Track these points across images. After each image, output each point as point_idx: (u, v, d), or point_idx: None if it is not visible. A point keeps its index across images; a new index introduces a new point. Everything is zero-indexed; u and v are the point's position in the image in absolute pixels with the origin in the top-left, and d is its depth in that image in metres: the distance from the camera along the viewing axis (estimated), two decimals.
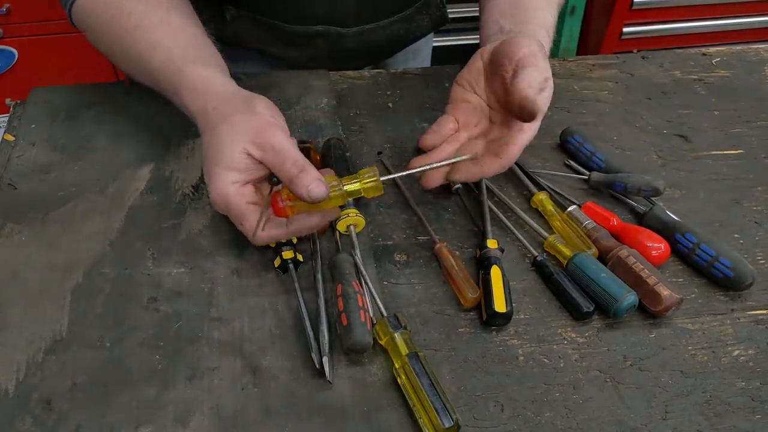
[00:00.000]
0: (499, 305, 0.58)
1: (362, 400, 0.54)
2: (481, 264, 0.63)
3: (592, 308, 0.59)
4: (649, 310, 0.60)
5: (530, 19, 0.70)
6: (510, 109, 0.62)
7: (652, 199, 0.70)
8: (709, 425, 0.53)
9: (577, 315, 0.60)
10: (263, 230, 0.59)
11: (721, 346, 0.59)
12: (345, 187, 0.59)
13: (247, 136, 0.58)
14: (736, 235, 0.69)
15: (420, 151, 0.72)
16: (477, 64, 0.69)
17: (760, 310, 0.62)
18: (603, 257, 0.64)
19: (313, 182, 0.56)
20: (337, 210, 0.62)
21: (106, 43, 0.71)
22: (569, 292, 0.60)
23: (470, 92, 0.69)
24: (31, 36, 1.76)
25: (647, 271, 0.60)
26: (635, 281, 0.60)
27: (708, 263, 0.63)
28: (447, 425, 0.49)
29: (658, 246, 0.64)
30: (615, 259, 0.62)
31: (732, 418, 0.54)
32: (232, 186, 0.58)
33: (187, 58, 0.65)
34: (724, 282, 0.63)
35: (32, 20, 1.74)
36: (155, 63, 0.65)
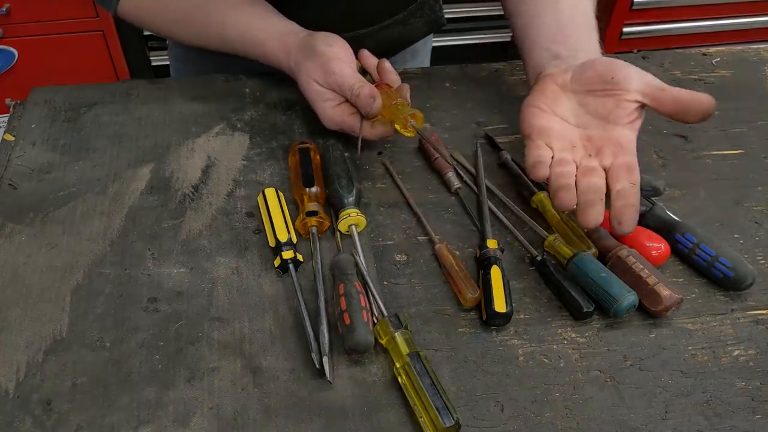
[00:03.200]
0: (499, 305, 0.58)
1: (362, 400, 0.54)
2: (481, 264, 0.63)
3: (592, 308, 0.59)
4: (649, 310, 0.60)
5: (582, 46, 0.72)
6: (676, 115, 0.66)
7: (653, 199, 0.70)
8: (709, 425, 0.53)
9: (578, 315, 0.60)
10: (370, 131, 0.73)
11: (721, 346, 0.59)
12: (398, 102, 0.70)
13: (316, 75, 0.71)
14: (736, 235, 0.69)
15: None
16: (550, 87, 0.70)
17: (760, 310, 0.62)
18: (603, 257, 0.64)
19: (370, 98, 0.68)
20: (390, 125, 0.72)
21: (167, 22, 0.81)
22: (569, 291, 0.60)
23: (551, 114, 0.69)
24: (31, 36, 1.77)
25: (647, 271, 0.60)
26: (635, 281, 0.60)
27: (708, 263, 0.63)
28: (448, 424, 0.49)
29: (658, 246, 0.64)
30: (615, 258, 0.62)
31: (732, 418, 0.54)
32: (330, 109, 0.72)
33: (255, 27, 0.77)
34: (724, 282, 0.63)
35: (32, 20, 1.74)
36: (231, 38, 0.78)
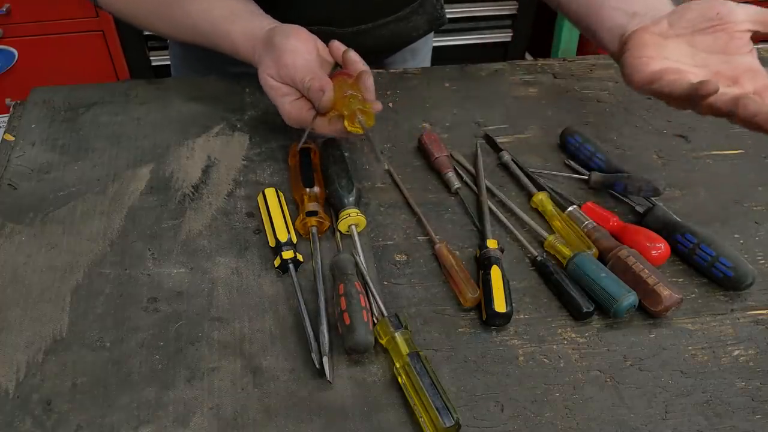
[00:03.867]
0: (499, 305, 0.58)
1: (362, 400, 0.54)
2: (481, 264, 0.63)
3: (592, 308, 0.59)
4: (649, 310, 0.60)
5: (654, 3, 0.71)
6: None
7: (653, 199, 0.70)
8: (709, 425, 0.53)
9: (578, 315, 0.60)
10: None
11: (721, 346, 0.59)
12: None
13: (271, 70, 0.69)
14: (736, 235, 0.69)
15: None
16: (650, 38, 0.68)
17: (760, 310, 0.62)
18: (603, 257, 0.64)
19: (323, 90, 0.66)
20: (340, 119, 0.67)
21: (144, 12, 0.79)
22: (569, 292, 0.60)
23: (664, 59, 0.66)
24: (31, 36, 1.76)
25: (647, 271, 0.60)
26: (635, 281, 0.60)
27: (708, 263, 0.63)
28: (448, 424, 0.49)
29: (658, 246, 0.64)
30: (615, 259, 0.62)
31: (732, 418, 0.54)
32: (288, 104, 0.69)
33: (228, 20, 0.74)
34: (724, 282, 0.63)
35: (32, 20, 1.74)
36: (203, 31, 0.75)
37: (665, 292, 0.59)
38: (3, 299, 0.60)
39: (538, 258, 0.64)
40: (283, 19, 0.85)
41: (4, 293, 0.60)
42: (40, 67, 1.81)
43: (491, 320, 0.59)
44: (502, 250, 0.64)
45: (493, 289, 0.60)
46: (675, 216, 0.67)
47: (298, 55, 0.68)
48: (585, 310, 0.59)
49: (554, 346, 0.58)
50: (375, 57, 0.96)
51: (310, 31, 0.87)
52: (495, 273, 0.61)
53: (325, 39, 0.87)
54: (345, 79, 0.67)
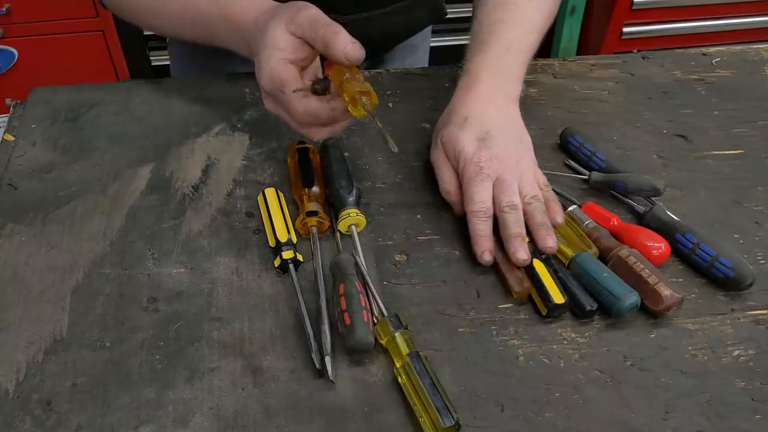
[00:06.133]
0: (557, 297, 0.59)
1: (363, 400, 0.54)
2: None
3: (595, 307, 0.59)
4: (651, 310, 0.60)
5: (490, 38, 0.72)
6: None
7: (653, 199, 0.70)
8: (709, 425, 0.53)
9: (581, 314, 0.60)
10: (304, 103, 0.61)
11: (721, 346, 0.59)
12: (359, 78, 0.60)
13: (284, 18, 0.62)
14: (736, 235, 0.69)
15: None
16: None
17: (760, 310, 0.62)
18: (603, 257, 0.64)
19: (349, 44, 0.59)
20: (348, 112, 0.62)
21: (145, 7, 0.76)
22: (573, 290, 0.60)
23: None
24: (31, 36, 1.76)
25: (648, 271, 0.60)
26: (636, 281, 0.60)
27: (708, 263, 0.63)
28: (448, 424, 0.49)
29: (659, 246, 0.64)
30: (615, 258, 0.62)
31: (732, 418, 0.54)
32: (279, 61, 0.61)
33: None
34: (724, 282, 0.63)
35: (32, 20, 1.74)
36: (204, 11, 0.70)
37: (666, 291, 0.59)
38: (3, 299, 0.60)
39: (542, 256, 0.64)
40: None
41: (4, 293, 0.60)
42: (40, 67, 1.81)
43: (552, 313, 0.59)
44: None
45: (544, 282, 0.60)
46: (674, 216, 0.67)
47: (318, 11, 0.63)
48: (588, 308, 0.59)
49: (554, 346, 0.58)
50: (375, 48, 0.96)
51: None
52: (539, 266, 0.61)
53: None
54: (337, 66, 0.62)
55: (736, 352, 0.58)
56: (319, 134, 0.65)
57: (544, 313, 0.60)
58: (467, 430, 0.52)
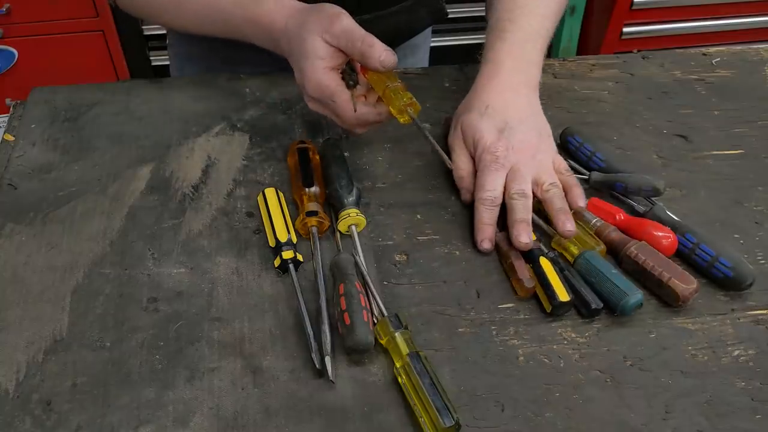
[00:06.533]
0: (562, 294, 0.59)
1: (363, 400, 0.54)
2: (527, 259, 0.63)
3: (601, 305, 0.60)
4: (670, 304, 0.61)
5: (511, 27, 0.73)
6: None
7: (653, 199, 0.70)
8: (709, 425, 0.53)
9: (586, 312, 0.60)
10: (353, 110, 0.66)
11: (721, 346, 0.59)
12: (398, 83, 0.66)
13: (320, 28, 0.65)
14: (736, 235, 0.69)
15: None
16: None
17: (760, 310, 0.62)
18: (614, 253, 0.64)
19: (383, 53, 0.63)
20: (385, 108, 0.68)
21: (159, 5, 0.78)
22: (578, 288, 0.60)
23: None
24: (31, 36, 1.76)
25: (659, 267, 0.61)
26: (649, 278, 0.61)
27: (708, 263, 0.63)
28: (448, 424, 0.49)
29: (667, 235, 0.64)
30: (624, 256, 0.63)
31: (732, 418, 0.54)
32: (323, 70, 0.65)
33: None
34: (724, 282, 0.63)
35: (32, 20, 1.74)
36: (227, 10, 0.72)
37: (679, 287, 0.59)
38: (3, 299, 0.60)
39: (549, 254, 0.64)
40: None
41: (4, 293, 0.60)
42: (40, 67, 1.81)
43: (557, 310, 0.60)
44: (540, 241, 0.65)
45: (550, 280, 0.60)
46: (674, 216, 0.67)
47: (352, 21, 0.66)
48: (594, 306, 0.59)
49: (554, 346, 0.58)
50: None
51: None
52: (545, 264, 0.62)
53: None
54: (373, 73, 0.67)
55: (736, 352, 0.58)
56: (363, 130, 0.71)
57: (548, 311, 0.60)
58: (467, 430, 0.52)
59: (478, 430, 0.52)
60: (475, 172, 0.69)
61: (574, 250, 0.64)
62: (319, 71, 0.65)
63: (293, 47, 0.67)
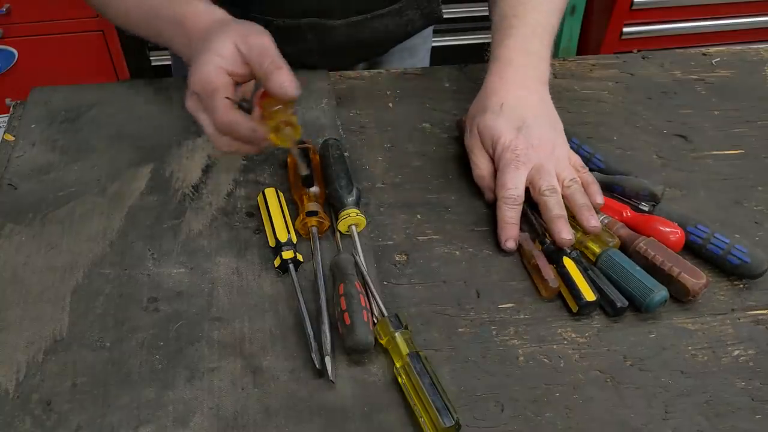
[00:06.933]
0: (588, 294, 0.59)
1: (362, 400, 0.54)
2: (550, 258, 0.63)
3: (626, 304, 0.60)
4: (679, 299, 0.61)
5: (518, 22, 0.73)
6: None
7: (652, 203, 0.70)
8: (709, 425, 0.53)
9: (611, 311, 0.60)
10: (229, 112, 0.62)
11: (721, 346, 0.59)
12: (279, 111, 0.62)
13: (237, 34, 0.63)
14: (736, 235, 0.68)
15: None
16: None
17: (760, 310, 0.62)
18: (621, 250, 0.64)
19: (288, 79, 0.61)
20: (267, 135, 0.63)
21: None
22: (603, 287, 0.60)
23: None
24: (31, 36, 1.76)
25: (668, 263, 0.61)
26: (659, 273, 0.61)
27: (724, 251, 0.63)
28: (448, 424, 0.49)
29: (675, 231, 0.64)
30: (634, 252, 0.63)
31: (732, 418, 0.54)
32: (217, 67, 0.62)
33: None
34: (741, 269, 0.63)
35: (32, 20, 1.73)
36: (158, 6, 0.69)
37: (689, 282, 0.60)
38: (3, 299, 0.60)
39: (572, 254, 0.63)
40: (275, 11, 0.85)
41: (4, 293, 0.60)
42: (40, 67, 1.80)
43: (583, 310, 0.60)
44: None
45: (575, 279, 0.60)
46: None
47: (271, 42, 0.64)
48: (620, 305, 0.59)
49: (554, 346, 0.58)
50: (369, 52, 0.96)
51: (302, 23, 0.86)
52: (569, 264, 0.62)
53: (319, 32, 0.87)
54: (271, 99, 0.63)
55: (736, 352, 0.58)
56: (229, 147, 0.65)
57: (575, 311, 0.60)
58: (467, 430, 0.52)
59: (478, 430, 0.52)
60: (495, 172, 0.69)
61: (595, 248, 0.64)
62: (212, 66, 0.62)
63: (200, 45, 0.64)
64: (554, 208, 0.65)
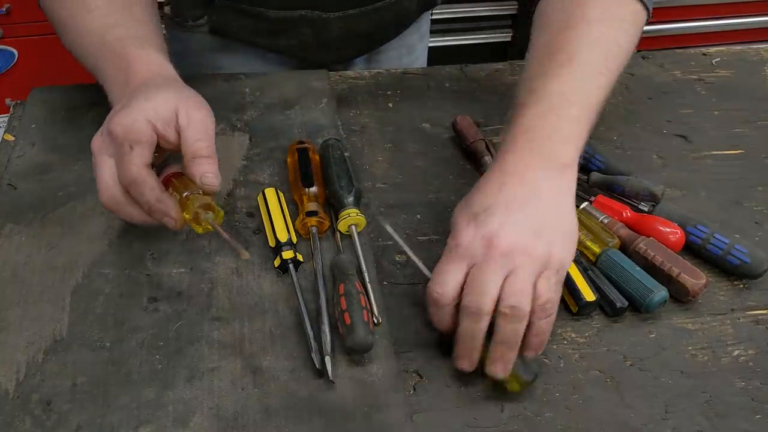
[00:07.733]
0: (588, 294, 0.59)
1: (363, 400, 0.54)
2: None
3: (626, 304, 0.60)
4: (679, 299, 0.61)
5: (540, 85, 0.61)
6: None
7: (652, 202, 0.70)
8: (709, 425, 0.53)
9: (611, 311, 0.60)
10: (142, 171, 0.56)
11: (721, 346, 0.59)
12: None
13: (181, 100, 0.58)
14: (736, 235, 0.68)
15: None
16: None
17: (760, 310, 0.62)
18: (621, 250, 0.64)
19: (213, 173, 0.57)
20: (180, 217, 0.57)
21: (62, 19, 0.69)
22: (603, 288, 0.60)
23: None
24: (31, 36, 1.76)
25: (668, 263, 0.61)
26: (658, 273, 0.61)
27: (724, 251, 0.63)
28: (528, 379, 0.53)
29: (674, 231, 0.64)
30: (633, 252, 0.63)
31: (732, 418, 0.54)
32: (147, 122, 0.56)
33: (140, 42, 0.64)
34: (741, 269, 0.63)
35: (32, 20, 1.73)
36: (109, 41, 0.64)
37: (689, 282, 0.60)
38: (3, 299, 0.59)
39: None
40: (269, 2, 0.85)
41: (4, 293, 0.60)
42: (40, 67, 1.80)
43: (583, 311, 0.60)
44: None
45: (575, 280, 0.60)
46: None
47: (213, 126, 0.59)
48: (619, 305, 0.59)
49: (554, 346, 0.58)
50: (367, 44, 0.96)
51: (297, 15, 0.86)
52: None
53: (315, 25, 0.87)
54: (185, 180, 0.58)
55: (736, 352, 0.58)
56: (117, 208, 0.58)
57: (574, 311, 0.60)
58: (467, 430, 0.52)
59: (479, 430, 0.52)
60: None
61: (595, 248, 0.64)
62: (144, 117, 0.56)
63: (138, 94, 0.58)
64: (465, 337, 0.52)
